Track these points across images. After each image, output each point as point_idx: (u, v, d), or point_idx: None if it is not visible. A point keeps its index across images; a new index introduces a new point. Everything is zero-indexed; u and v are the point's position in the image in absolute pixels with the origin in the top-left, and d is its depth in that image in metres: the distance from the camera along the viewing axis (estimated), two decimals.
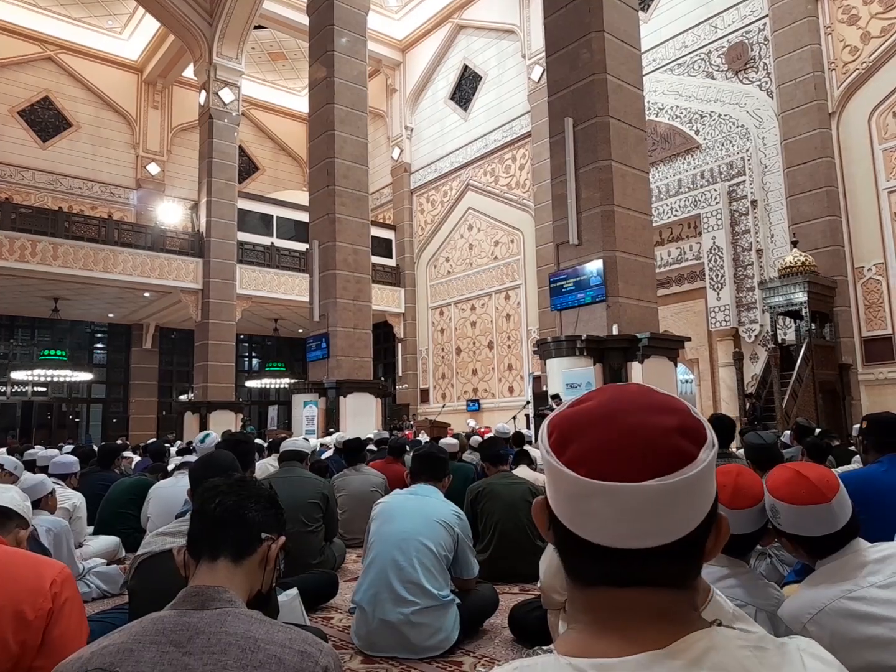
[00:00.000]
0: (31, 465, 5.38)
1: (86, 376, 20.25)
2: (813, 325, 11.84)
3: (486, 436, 10.46)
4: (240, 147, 20.40)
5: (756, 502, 1.79)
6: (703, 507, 0.61)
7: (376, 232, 19.64)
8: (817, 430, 6.79)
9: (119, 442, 13.42)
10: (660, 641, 0.57)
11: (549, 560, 2.58)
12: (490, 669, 0.64)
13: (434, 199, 22.16)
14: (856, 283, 12.54)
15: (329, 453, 7.92)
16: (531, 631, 2.84)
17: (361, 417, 13.33)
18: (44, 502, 3.59)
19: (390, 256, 22.63)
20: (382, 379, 22.09)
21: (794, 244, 12.27)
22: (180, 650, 1.08)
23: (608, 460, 0.58)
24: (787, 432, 6.82)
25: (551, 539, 0.66)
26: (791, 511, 1.52)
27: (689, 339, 10.79)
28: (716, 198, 14.10)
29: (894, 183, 12.12)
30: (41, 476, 3.74)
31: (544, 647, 0.64)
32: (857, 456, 5.02)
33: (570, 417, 0.63)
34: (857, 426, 3.12)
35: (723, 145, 14.29)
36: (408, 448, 6.39)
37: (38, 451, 6.54)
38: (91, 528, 5.05)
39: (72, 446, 9.18)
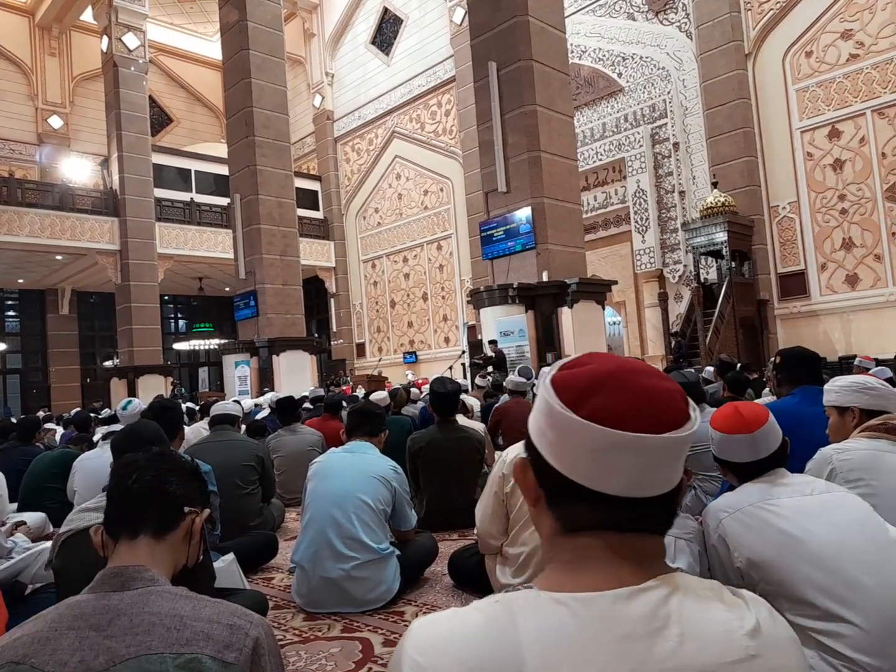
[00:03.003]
0: None
1: None
2: (733, 264, 12.31)
3: (425, 387, 10.53)
4: (150, 98, 19.29)
5: None
6: (683, 463, 0.69)
7: (301, 183, 19.09)
8: (738, 365, 7.12)
9: (41, 413, 12.86)
10: (637, 579, 0.64)
11: (484, 507, 2.63)
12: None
13: (359, 148, 21.62)
14: (771, 221, 13.04)
15: (265, 413, 7.82)
16: (470, 576, 2.91)
17: (296, 375, 13.18)
18: None
19: (317, 209, 22.08)
20: (316, 335, 21.83)
21: (715, 185, 12.62)
22: (101, 634, 1.04)
23: (631, 416, 0.64)
24: (710, 368, 7.13)
25: (540, 497, 0.71)
26: (720, 438, 1.71)
27: (615, 282, 11.05)
28: (639, 141, 14.28)
29: (807, 122, 12.54)
30: None
31: (525, 584, 0.68)
32: (767, 388, 5.31)
33: (580, 377, 0.68)
34: (772, 360, 3.28)
35: (645, 88, 14.41)
36: (344, 404, 6.35)
37: None
38: (14, 506, 4.86)
39: None
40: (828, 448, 2.08)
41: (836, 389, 2.24)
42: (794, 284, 12.70)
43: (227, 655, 1.04)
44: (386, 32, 20.54)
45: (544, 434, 0.69)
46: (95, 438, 5.82)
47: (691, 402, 0.69)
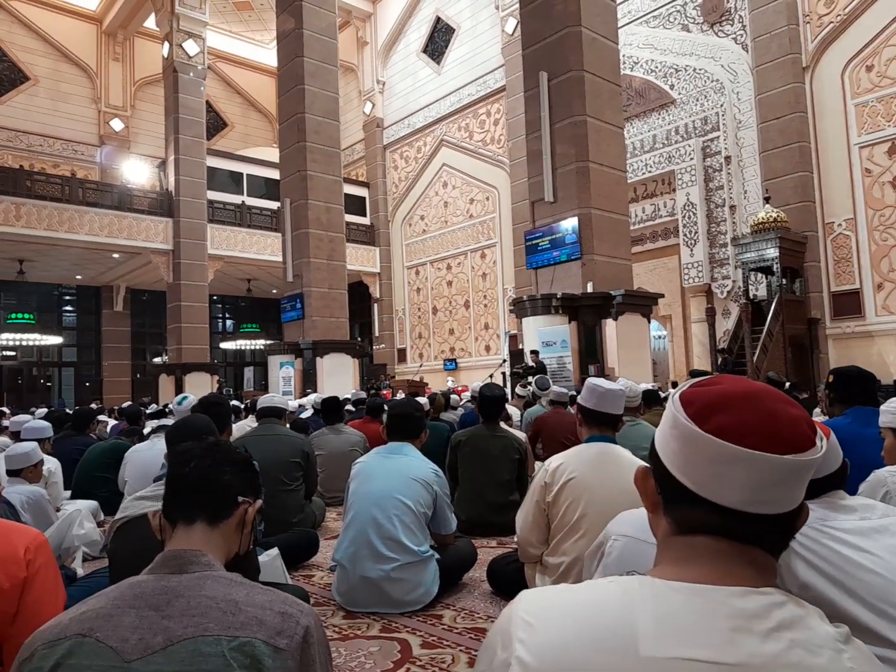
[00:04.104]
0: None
1: (55, 340, 19.89)
2: (784, 281, 12.01)
3: (465, 394, 10.55)
4: (207, 102, 19.81)
5: None
6: (804, 489, 0.71)
7: (349, 189, 19.34)
8: (787, 384, 6.95)
9: (93, 405, 13.29)
10: (751, 583, 0.66)
11: (525, 515, 2.63)
12: (511, 604, 0.72)
13: (408, 156, 21.82)
14: (826, 238, 12.70)
15: (307, 414, 7.93)
16: (509, 584, 2.90)
17: (338, 378, 13.33)
18: (25, 472, 3.54)
19: (364, 215, 22.34)
20: (359, 339, 22.04)
21: (767, 200, 12.35)
22: (159, 614, 1.07)
23: (752, 434, 0.67)
24: None
25: (658, 503, 0.75)
26: None
27: (662, 295, 10.89)
28: (690, 154, 14.08)
29: (866, 138, 12.19)
30: (33, 444, 3.69)
31: (640, 571, 0.73)
32: (818, 408, 5.17)
33: (708, 394, 0.71)
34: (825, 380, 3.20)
35: (697, 100, 14.21)
36: (385, 407, 6.40)
37: (11, 417, 6.46)
38: (68, 493, 5.04)
39: (45, 410, 9.06)
40: (883, 470, 2.03)
41: (892, 410, 2.19)
42: (849, 303, 12.33)
43: (279, 641, 1.06)
44: (438, 41, 20.72)
45: (668, 444, 0.73)
46: (146, 431, 5.99)
47: (820, 432, 0.71)
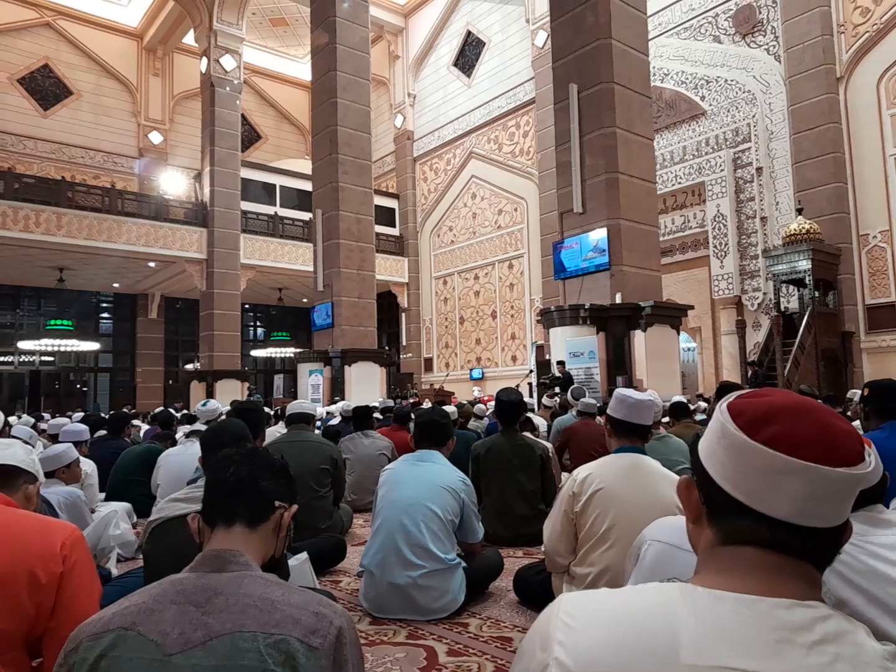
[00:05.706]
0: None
1: (92, 346, 20.36)
2: (816, 293, 11.81)
3: (491, 403, 10.55)
4: (242, 115, 20.20)
5: None
6: (852, 504, 0.70)
7: (379, 201, 19.53)
8: (819, 400, 6.83)
9: (127, 410, 13.56)
10: (797, 596, 0.66)
11: (552, 524, 2.64)
12: (553, 604, 0.71)
13: (437, 168, 21.96)
14: (860, 250, 12.47)
15: (335, 421, 8.01)
16: (536, 593, 2.91)
17: (366, 386, 13.43)
18: (59, 472, 3.63)
19: (393, 225, 22.53)
20: (387, 348, 22.16)
21: (799, 211, 12.18)
22: (199, 610, 1.10)
23: (805, 446, 0.66)
24: None
25: (701, 514, 0.74)
26: None
27: (692, 307, 10.79)
28: (720, 165, 13.96)
29: None
30: (64, 445, 3.79)
31: (680, 579, 0.73)
32: (857, 422, 5.07)
33: (758, 405, 0.71)
34: (859, 393, 3.16)
35: (728, 111, 14.10)
36: (412, 416, 6.45)
37: (50, 421, 6.63)
38: (103, 495, 5.16)
39: (81, 415, 9.30)
40: None
41: None
42: (884, 317, 12.08)
43: (314, 640, 1.08)
44: (468, 55, 20.87)
45: (715, 455, 0.72)
46: (178, 436, 6.11)
47: (867, 447, 0.71)
